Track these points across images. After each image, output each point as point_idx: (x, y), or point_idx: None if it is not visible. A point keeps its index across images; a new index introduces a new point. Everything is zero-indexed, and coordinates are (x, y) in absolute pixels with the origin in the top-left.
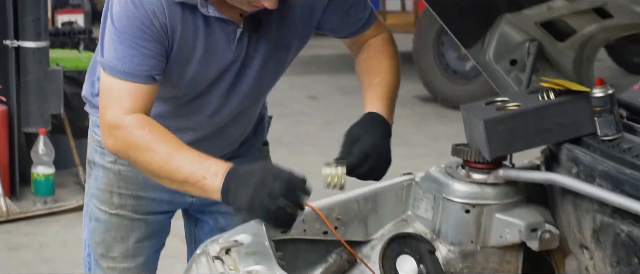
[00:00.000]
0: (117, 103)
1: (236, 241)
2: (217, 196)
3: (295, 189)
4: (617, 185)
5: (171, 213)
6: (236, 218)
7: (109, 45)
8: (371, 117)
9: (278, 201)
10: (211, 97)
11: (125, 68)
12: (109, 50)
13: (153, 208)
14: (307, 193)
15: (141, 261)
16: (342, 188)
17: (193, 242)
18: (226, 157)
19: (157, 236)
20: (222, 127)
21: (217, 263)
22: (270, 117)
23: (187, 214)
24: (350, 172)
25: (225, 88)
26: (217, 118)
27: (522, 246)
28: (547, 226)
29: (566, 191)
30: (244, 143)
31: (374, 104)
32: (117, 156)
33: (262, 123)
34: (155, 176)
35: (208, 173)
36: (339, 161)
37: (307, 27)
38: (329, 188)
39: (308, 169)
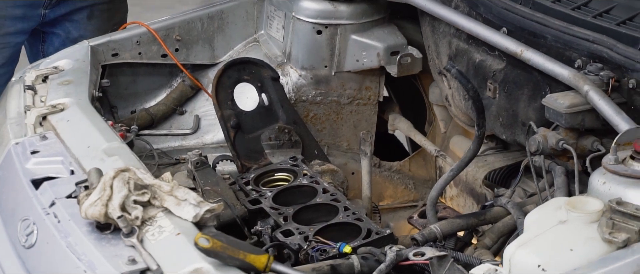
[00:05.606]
0: None
1: (56, 67)
2: None
3: None
4: (472, 7)
5: (24, 34)
6: (90, 26)
7: None
8: None
9: None
10: None
11: None
12: None
13: (7, 29)
14: None
15: None
16: None
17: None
18: None
19: (8, 65)
20: None
21: (28, 93)
22: None
23: (34, 33)
24: None
25: None
26: None
27: (383, 70)
28: (409, 49)
29: (424, 13)
30: None
31: None
32: None
33: None
34: None
35: None
36: None
37: None
38: None
39: None
